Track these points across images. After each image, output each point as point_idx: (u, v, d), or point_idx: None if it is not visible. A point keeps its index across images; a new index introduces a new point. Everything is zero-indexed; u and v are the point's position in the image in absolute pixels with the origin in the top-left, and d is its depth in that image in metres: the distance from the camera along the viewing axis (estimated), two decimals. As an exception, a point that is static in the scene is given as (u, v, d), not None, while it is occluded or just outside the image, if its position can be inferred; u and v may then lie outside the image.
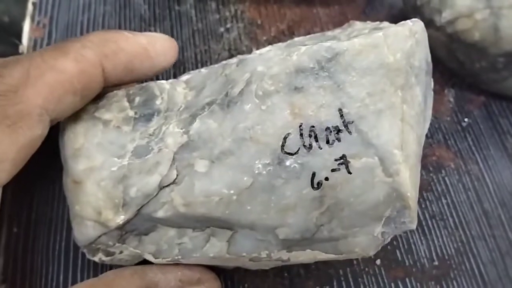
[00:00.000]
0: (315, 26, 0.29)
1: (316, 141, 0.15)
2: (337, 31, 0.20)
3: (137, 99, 0.18)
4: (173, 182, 0.16)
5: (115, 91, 0.18)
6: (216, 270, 0.19)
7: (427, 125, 0.18)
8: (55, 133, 0.18)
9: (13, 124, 0.14)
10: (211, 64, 0.27)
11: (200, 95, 0.17)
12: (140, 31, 0.24)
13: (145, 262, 0.18)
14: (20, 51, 0.26)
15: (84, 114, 0.17)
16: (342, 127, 0.15)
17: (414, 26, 0.16)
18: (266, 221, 0.16)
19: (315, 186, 0.15)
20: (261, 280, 0.21)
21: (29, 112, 0.15)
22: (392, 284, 0.22)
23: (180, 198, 0.16)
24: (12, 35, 0.27)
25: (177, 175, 0.16)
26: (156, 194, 0.16)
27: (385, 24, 0.18)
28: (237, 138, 0.15)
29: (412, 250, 0.23)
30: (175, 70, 0.27)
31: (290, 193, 0.15)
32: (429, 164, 0.25)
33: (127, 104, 0.18)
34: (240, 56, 0.20)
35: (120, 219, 0.16)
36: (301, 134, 0.15)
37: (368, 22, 0.19)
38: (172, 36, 0.27)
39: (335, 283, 0.22)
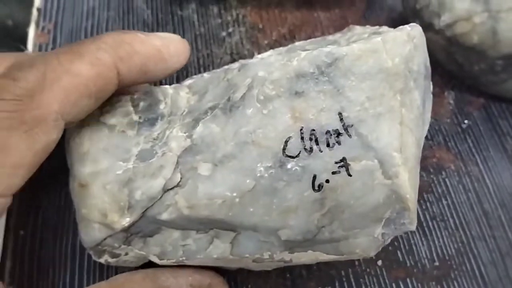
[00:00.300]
0: (316, 30, 0.29)
1: (317, 144, 0.15)
2: (337, 35, 0.20)
3: (141, 104, 0.18)
4: (177, 185, 0.16)
5: (119, 96, 0.19)
6: (220, 271, 0.19)
7: (426, 128, 0.18)
8: (62, 137, 0.18)
9: (30, 129, 0.14)
10: (213, 68, 0.27)
11: (202, 99, 0.18)
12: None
13: (150, 263, 0.18)
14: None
15: (90, 119, 0.18)
16: (342, 131, 0.15)
17: (413, 31, 0.16)
18: (268, 223, 0.16)
19: (316, 188, 0.15)
20: (264, 281, 0.22)
21: (45, 118, 0.15)
22: (393, 285, 0.22)
23: (184, 201, 0.16)
24: (17, 40, 0.27)
25: (181, 178, 0.16)
26: (161, 197, 0.16)
27: (384, 28, 0.18)
28: (239, 142, 0.16)
29: (413, 251, 0.23)
30: (178, 74, 0.27)
31: (292, 196, 0.16)
32: (429, 166, 0.25)
33: (131, 109, 0.18)
34: (241, 61, 0.20)
35: (126, 221, 0.16)
36: (302, 138, 0.15)
37: (368, 26, 0.20)
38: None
39: (336, 284, 0.22)
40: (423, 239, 0.23)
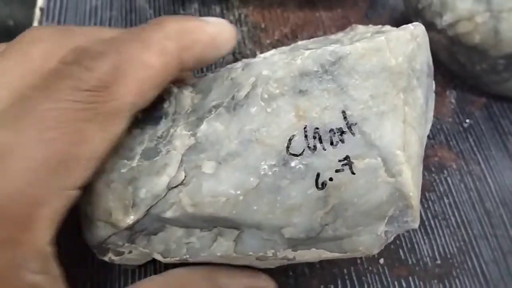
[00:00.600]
0: (318, 30, 0.29)
1: (321, 142, 0.15)
2: (340, 34, 0.20)
3: (145, 103, 0.18)
4: (181, 183, 0.16)
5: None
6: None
7: (429, 127, 0.18)
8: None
9: (105, 121, 0.14)
10: (216, 67, 0.27)
11: (206, 98, 0.18)
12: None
13: (153, 261, 0.18)
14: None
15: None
16: (345, 129, 0.15)
17: (416, 30, 0.16)
18: (272, 221, 0.16)
19: (320, 186, 0.16)
20: (267, 279, 0.22)
21: (119, 110, 0.15)
22: (396, 283, 0.22)
23: (188, 199, 0.16)
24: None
25: (185, 176, 0.16)
26: (165, 195, 0.16)
27: (387, 27, 0.18)
28: (243, 140, 0.16)
29: (415, 249, 0.23)
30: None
31: (295, 194, 0.16)
32: (431, 165, 0.25)
33: (135, 107, 0.18)
34: (245, 60, 0.20)
35: (130, 219, 0.17)
36: (306, 136, 0.16)
37: (370, 25, 0.20)
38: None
39: (339, 282, 0.22)
40: (425, 237, 0.23)
